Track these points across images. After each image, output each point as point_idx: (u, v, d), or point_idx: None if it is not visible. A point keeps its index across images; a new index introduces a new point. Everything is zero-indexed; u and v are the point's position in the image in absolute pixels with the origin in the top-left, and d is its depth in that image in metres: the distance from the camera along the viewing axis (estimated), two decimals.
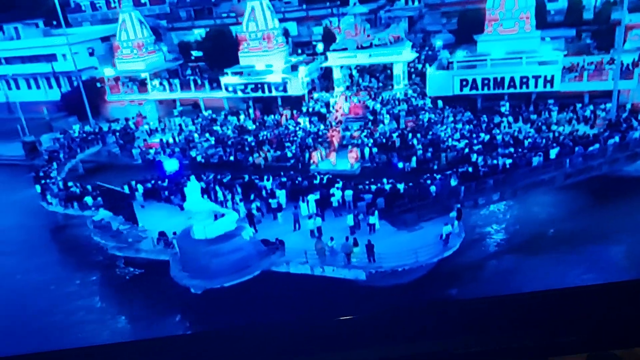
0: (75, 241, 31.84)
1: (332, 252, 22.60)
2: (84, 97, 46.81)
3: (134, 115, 49.42)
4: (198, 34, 62.35)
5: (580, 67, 38.39)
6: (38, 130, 48.58)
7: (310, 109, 44.68)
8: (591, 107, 36.77)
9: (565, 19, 48.02)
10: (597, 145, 28.52)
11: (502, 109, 38.97)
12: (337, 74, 45.57)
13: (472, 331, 2.77)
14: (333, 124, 41.57)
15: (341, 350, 2.80)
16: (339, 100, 44.83)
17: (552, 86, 37.87)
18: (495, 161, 28.70)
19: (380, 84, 47.21)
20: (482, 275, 24.31)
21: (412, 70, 47.45)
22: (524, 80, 38.41)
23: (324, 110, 44.15)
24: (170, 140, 43.60)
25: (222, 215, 23.20)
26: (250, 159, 37.77)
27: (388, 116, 40.97)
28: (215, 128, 45.05)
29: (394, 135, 37.61)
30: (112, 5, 72.02)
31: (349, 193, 26.70)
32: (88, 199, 30.50)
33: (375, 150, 36.34)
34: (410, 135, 37.21)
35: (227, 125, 45.31)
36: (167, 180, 31.86)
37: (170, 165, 32.13)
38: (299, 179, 29.58)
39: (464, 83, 40.04)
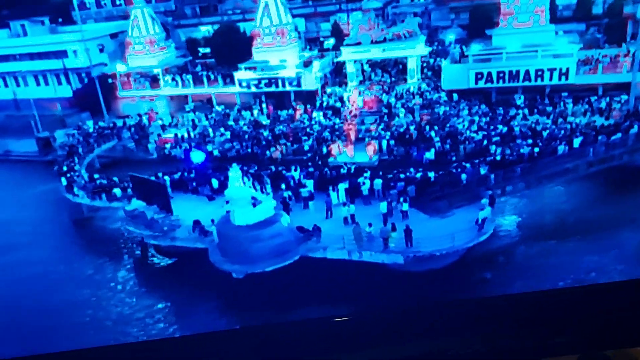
0: (103, 232, 32.22)
1: (370, 238, 23.05)
2: (99, 92, 46.99)
3: (146, 111, 49.63)
4: (205, 30, 62.58)
5: (595, 60, 39.01)
6: (51, 126, 48.68)
7: (325, 104, 45.09)
8: (607, 99, 37.38)
9: (575, 13, 48.73)
10: (619, 135, 29.14)
11: (518, 102, 39.55)
12: (350, 69, 46.02)
13: (461, 333, 2.73)
14: (348, 117, 42.02)
15: (336, 352, 2.74)
16: (352, 94, 45.27)
17: (567, 79, 38.48)
18: (522, 150, 29.17)
19: (393, 78, 47.68)
20: (513, 260, 24.88)
21: (424, 64, 47.93)
22: (539, 73, 39.01)
23: (338, 104, 44.57)
24: (185, 135, 43.88)
25: (260, 202, 23.54)
26: (268, 152, 38.18)
27: (403, 110, 41.48)
28: (229, 123, 45.36)
29: (411, 127, 38.11)
30: (117, 2, 72.12)
31: (378, 182, 27.16)
32: (117, 191, 30.76)
33: (392, 142, 36.88)
34: (427, 127, 37.74)
35: (241, 120, 45.63)
36: (193, 171, 32.12)
37: (197, 157, 32.44)
38: (327, 169, 30.00)
39: (479, 76, 40.57)
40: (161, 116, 49.04)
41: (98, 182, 32.88)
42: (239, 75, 47.23)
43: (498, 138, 34.47)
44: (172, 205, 27.44)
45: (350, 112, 43.10)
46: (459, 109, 40.35)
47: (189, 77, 50.24)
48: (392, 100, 43.09)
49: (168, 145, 42.92)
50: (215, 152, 39.52)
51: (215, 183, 30.21)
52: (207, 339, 2.86)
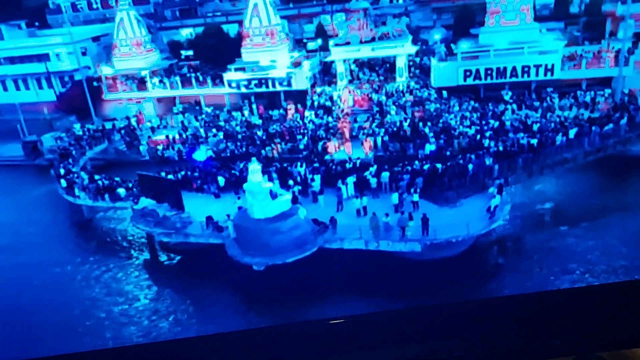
0: (108, 232, 32.06)
1: (387, 228, 23.64)
2: (88, 95, 46.57)
3: (134, 113, 49.36)
4: (188, 33, 62.52)
5: (579, 56, 40.53)
6: (37, 130, 47.98)
7: (315, 103, 45.59)
8: (591, 93, 38.87)
9: (554, 12, 50.40)
10: (611, 125, 30.45)
11: (506, 97, 40.77)
12: (340, 68, 46.68)
13: (457, 335, 2.73)
14: (340, 116, 42.67)
15: (332, 354, 2.73)
16: (343, 93, 45.95)
17: (552, 74, 39.85)
18: (521, 141, 30.21)
19: (382, 77, 48.53)
20: (521, 246, 25.83)
21: (411, 63, 48.90)
22: (526, 69, 40.31)
23: (328, 103, 45.14)
24: (177, 137, 43.81)
25: (278, 195, 23.92)
26: (263, 151, 38.46)
27: (394, 107, 42.32)
28: (220, 124, 45.47)
29: (405, 124, 38.92)
30: (94, 6, 71.46)
31: (385, 175, 27.81)
32: (121, 191, 30.68)
33: (386, 139, 37.60)
34: (421, 124, 38.59)
35: (232, 121, 45.77)
36: (197, 170, 32.25)
37: (200, 155, 32.59)
38: (332, 164, 30.54)
39: (468, 73, 41.67)
40: (150, 118, 48.84)
41: (100, 182, 32.67)
42: (228, 76, 47.37)
43: (491, 132, 35.59)
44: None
45: (342, 110, 43.78)
46: (450, 105, 41.37)
47: (177, 78, 50.10)
48: (383, 98, 43.88)
49: (160, 147, 42.81)
50: (210, 153, 39.61)
51: (221, 181, 30.40)
52: (202, 342, 2.86)
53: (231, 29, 59.94)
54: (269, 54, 46.75)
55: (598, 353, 2.81)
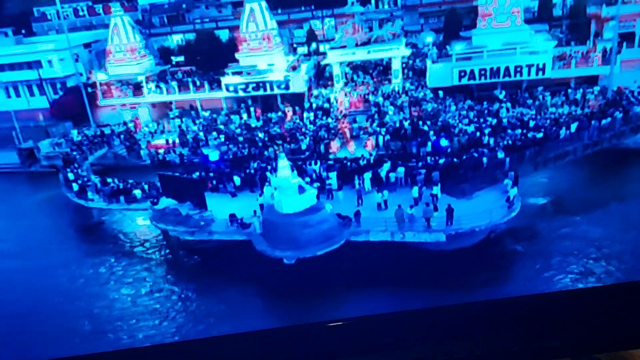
0: (122, 233, 32.31)
1: (411, 219, 24.61)
2: (86, 101, 46.60)
3: (131, 119, 49.54)
4: (177, 39, 62.81)
5: (569, 56, 42.34)
6: (33, 136, 47.69)
7: (314, 105, 46.45)
8: (581, 91, 40.67)
9: (538, 15, 52.34)
10: (609, 119, 32.10)
11: (500, 96, 42.30)
12: (336, 71, 47.67)
13: (453, 337, 2.71)
14: (339, 117, 43.70)
15: (332, 357, 2.71)
16: (339, 95, 46.99)
17: (543, 73, 41.54)
18: (529, 135, 31.63)
19: (376, 80, 49.72)
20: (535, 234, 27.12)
21: (403, 65, 50.17)
22: (518, 69, 41.92)
23: (326, 105, 46.07)
24: (177, 141, 44.18)
25: (305, 190, 24.68)
26: (266, 153, 39.13)
27: (392, 107, 43.50)
28: (220, 127, 45.97)
29: (405, 123, 40.08)
30: (81, 13, 71.06)
31: (401, 170, 28.85)
32: (137, 192, 31.00)
33: (387, 138, 38.69)
34: (420, 122, 39.79)
35: (231, 124, 46.33)
36: (211, 172, 32.77)
37: (213, 156, 33.17)
38: (347, 161, 31.45)
39: (462, 74, 43.09)
40: (146, 123, 49.07)
41: (113, 185, 32.90)
42: (226, 80, 47.91)
43: (490, 129, 36.98)
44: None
45: (340, 111, 44.79)
46: (446, 104, 42.74)
47: (175, 83, 50.42)
48: (380, 99, 45.03)
49: (162, 151, 43.11)
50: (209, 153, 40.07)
51: (237, 180, 30.98)
52: (197, 346, 2.85)
53: (221, 35, 60.49)
54: (266, 57, 47.46)
55: (597, 354, 2.75)
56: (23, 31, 65.26)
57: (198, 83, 49.97)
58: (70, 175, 35.05)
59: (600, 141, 31.70)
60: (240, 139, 42.26)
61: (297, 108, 46.18)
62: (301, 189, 24.42)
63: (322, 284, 23.81)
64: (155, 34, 64.02)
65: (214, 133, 44.60)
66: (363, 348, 2.72)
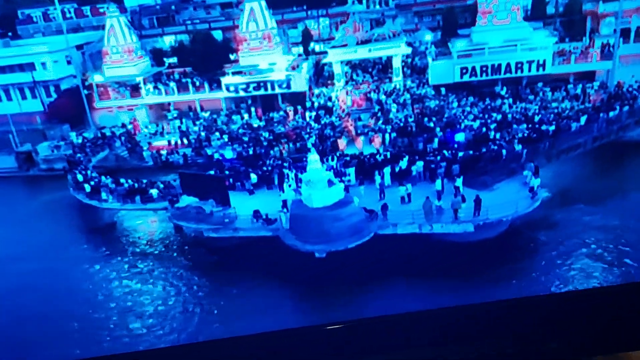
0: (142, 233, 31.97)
1: (439, 211, 24.88)
2: (85, 103, 46.02)
3: (130, 120, 49.08)
4: (171, 40, 62.37)
5: (568, 52, 43.21)
6: (30, 140, 46.94)
7: (315, 104, 46.52)
8: (580, 86, 41.52)
9: (532, 13, 53.22)
10: (616, 111, 32.88)
11: (502, 92, 42.97)
12: (337, 69, 47.85)
13: (449, 341, 2.68)
14: (342, 115, 43.89)
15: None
16: (340, 94, 47.20)
17: (544, 69, 42.28)
18: (543, 127, 32.20)
19: (375, 77, 50.08)
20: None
21: (402, 64, 50.59)
22: (519, 65, 42.61)
23: (329, 104, 46.20)
24: (179, 142, 43.89)
25: (335, 184, 24.77)
26: (272, 152, 39.11)
27: (395, 105, 43.82)
28: (223, 127, 45.78)
29: (410, 120, 40.44)
30: (68, 15, 70.05)
31: (420, 164, 29.13)
32: (154, 192, 30.72)
33: (394, 135, 38.97)
34: (425, 119, 40.18)
35: (233, 124, 46.19)
36: (227, 169, 32.67)
37: (228, 154, 33.11)
38: (365, 157, 31.63)
39: (464, 71, 43.64)
40: (145, 124, 48.64)
41: (126, 185, 32.54)
42: (226, 80, 47.73)
43: (495, 125, 37.52)
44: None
45: (343, 110, 44.99)
46: (449, 101, 43.24)
47: (174, 84, 50.06)
48: (383, 97, 45.32)
49: (164, 152, 42.76)
50: (217, 155, 39.90)
51: (254, 178, 30.90)
52: (193, 349, 2.80)
53: (215, 36, 60.19)
54: (268, 57, 47.43)
55: (594, 357, 2.72)
56: (10, 34, 64.36)
57: (198, 83, 49.67)
58: (79, 177, 34.57)
59: (607, 133, 32.37)
60: (245, 138, 42.21)
61: (299, 107, 46.22)
62: (330, 183, 24.50)
63: (353, 277, 23.92)
64: (147, 35, 63.46)
65: (217, 133, 44.43)
66: (363, 351, 2.74)
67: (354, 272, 24.06)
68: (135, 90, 50.53)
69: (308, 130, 42.16)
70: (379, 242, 24.78)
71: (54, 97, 53.30)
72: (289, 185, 28.37)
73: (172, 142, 43.92)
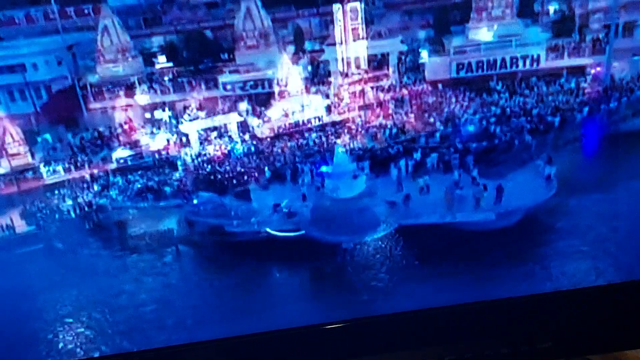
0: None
1: (461, 200, 25.40)
2: (82, 104, 45.43)
3: (123, 121, 48.55)
4: (160, 40, 61.82)
5: (562, 47, 44.27)
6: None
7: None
8: (574, 79, 42.58)
9: (519, 10, 54.22)
10: (616, 103, 33.92)
11: (498, 87, 43.80)
12: (333, 67, 48.10)
13: (444, 340, 2.57)
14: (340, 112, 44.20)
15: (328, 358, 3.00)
16: (337, 91, 47.46)
17: (538, 64, 43.27)
18: (549, 118, 33.04)
19: (370, 75, 50.43)
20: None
21: (397, 60, 51.10)
22: (514, 60, 43.53)
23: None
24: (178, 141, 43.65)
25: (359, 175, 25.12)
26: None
27: (393, 101, 44.35)
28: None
29: (411, 116, 41.00)
30: (51, 17, 68.83)
31: (434, 156, 29.68)
32: (167, 188, 30.60)
33: (395, 131, 39.48)
34: (426, 114, 40.78)
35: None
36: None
37: (237, 151, 33.21)
38: (378, 151, 32.06)
39: (460, 66, 44.37)
40: (141, 124, 48.17)
41: (138, 183, 32.31)
42: (223, 78, 47.60)
43: (495, 118, 38.33)
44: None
45: (340, 106, 45.29)
46: (446, 96, 43.92)
47: (170, 84, 49.72)
48: (381, 94, 45.76)
49: (164, 152, 42.48)
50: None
51: (268, 173, 31.04)
52: (193, 349, 3.12)
53: (206, 36, 59.87)
54: (265, 55, 47.45)
55: (588, 356, 3.04)
56: None
57: (193, 82, 49.41)
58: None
59: (608, 124, 33.38)
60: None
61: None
62: (355, 174, 24.83)
63: (377, 268, 24.24)
64: (136, 35, 62.75)
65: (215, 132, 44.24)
66: (359, 350, 2.70)
67: (378, 264, 24.42)
68: (129, 90, 49.99)
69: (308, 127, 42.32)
70: (402, 233, 25.20)
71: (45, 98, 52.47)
72: (304, 180, 28.66)
73: (171, 142, 43.64)
